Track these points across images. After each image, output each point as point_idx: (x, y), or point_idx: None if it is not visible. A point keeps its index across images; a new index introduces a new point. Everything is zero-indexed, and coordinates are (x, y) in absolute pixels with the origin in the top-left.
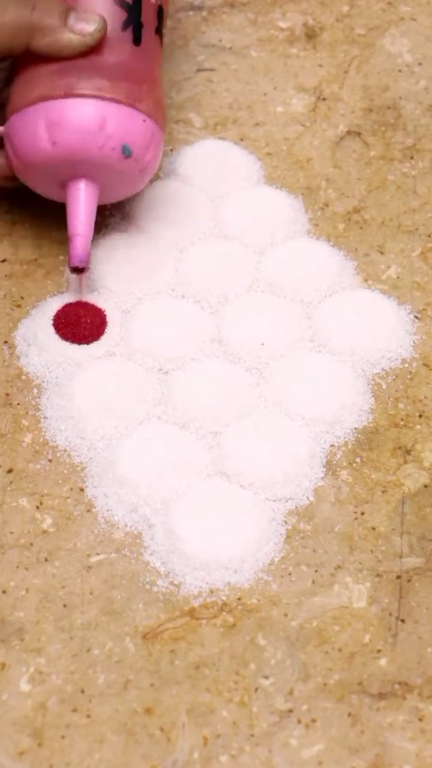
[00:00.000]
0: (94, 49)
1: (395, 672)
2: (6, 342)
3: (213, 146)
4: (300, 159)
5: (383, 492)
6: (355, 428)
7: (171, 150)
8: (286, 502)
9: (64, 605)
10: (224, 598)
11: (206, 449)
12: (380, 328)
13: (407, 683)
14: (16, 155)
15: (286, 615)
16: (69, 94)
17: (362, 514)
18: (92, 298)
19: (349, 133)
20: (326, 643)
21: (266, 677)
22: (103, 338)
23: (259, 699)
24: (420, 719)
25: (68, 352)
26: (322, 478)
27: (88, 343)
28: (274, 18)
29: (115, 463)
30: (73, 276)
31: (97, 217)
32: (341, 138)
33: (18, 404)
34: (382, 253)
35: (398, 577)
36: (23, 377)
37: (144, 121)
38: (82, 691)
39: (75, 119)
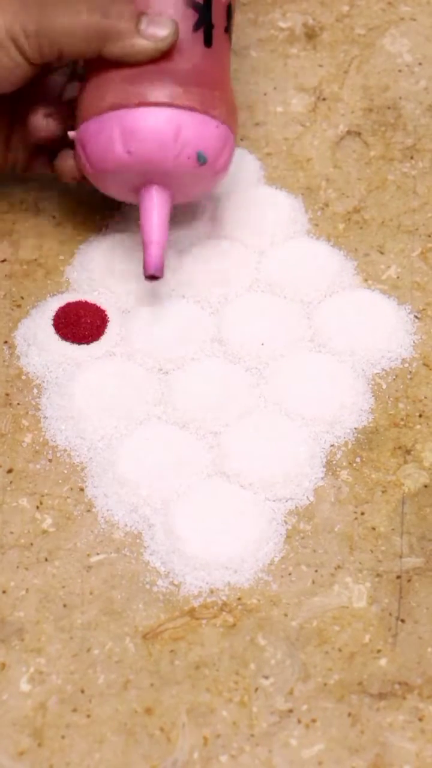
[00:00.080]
0: (166, 53)
1: (395, 672)
2: (6, 342)
3: None
4: (300, 159)
5: (383, 492)
6: (355, 428)
7: None
8: (286, 502)
9: (64, 605)
10: (224, 598)
11: (206, 449)
12: (380, 328)
13: (407, 683)
14: (89, 162)
15: (286, 615)
16: (143, 103)
17: (362, 514)
18: (92, 298)
19: (349, 133)
20: (326, 643)
21: (266, 677)
22: (103, 338)
23: (259, 699)
24: (420, 719)
25: (68, 352)
26: (322, 478)
27: (88, 343)
28: (274, 18)
29: (115, 463)
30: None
31: (96, 217)
32: (341, 138)
33: (18, 404)
34: (382, 253)
35: (398, 577)
36: (23, 377)
37: (217, 127)
38: (82, 691)
39: (150, 128)
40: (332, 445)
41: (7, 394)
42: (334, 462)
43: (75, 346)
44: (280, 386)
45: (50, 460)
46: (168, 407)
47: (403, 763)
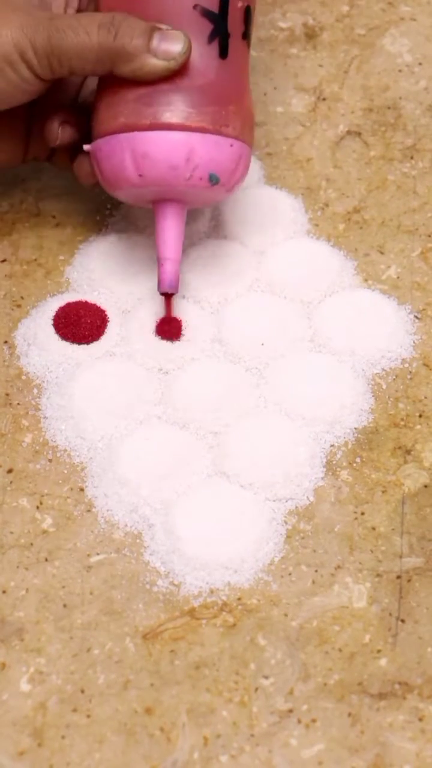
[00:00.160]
0: (179, 70)
1: (395, 672)
2: (6, 342)
3: None
4: (300, 159)
5: (383, 492)
6: (355, 428)
7: None
8: (286, 502)
9: (64, 605)
10: (224, 598)
11: (206, 449)
12: (380, 328)
13: (407, 683)
14: (102, 177)
15: (286, 615)
16: (154, 125)
17: (362, 514)
18: (92, 298)
19: (349, 133)
20: (326, 643)
21: (266, 677)
22: (103, 338)
23: (259, 699)
24: (420, 719)
25: (68, 352)
26: (322, 478)
27: (88, 343)
28: (274, 18)
29: (115, 463)
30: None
31: (96, 217)
32: (341, 138)
33: (18, 404)
34: (382, 253)
35: (398, 577)
36: (23, 377)
37: (231, 145)
38: (82, 691)
39: (161, 153)
40: (332, 445)
41: (7, 394)
42: (334, 462)
43: (75, 346)
44: (280, 386)
45: (50, 460)
46: (168, 407)
47: (403, 763)
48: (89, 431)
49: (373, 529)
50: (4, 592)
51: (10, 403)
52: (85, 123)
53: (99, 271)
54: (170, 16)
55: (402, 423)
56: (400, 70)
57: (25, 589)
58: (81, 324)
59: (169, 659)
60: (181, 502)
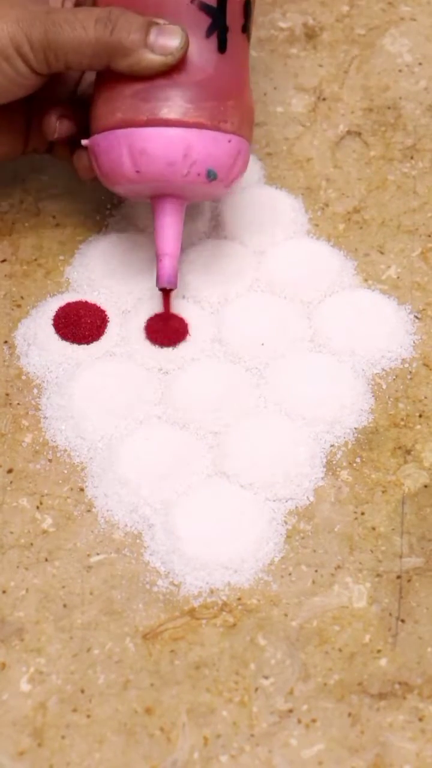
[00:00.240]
0: (177, 65)
1: (395, 672)
2: (6, 342)
3: None
4: (300, 159)
5: (383, 492)
6: (355, 428)
7: None
8: (286, 502)
9: (64, 605)
10: (224, 598)
11: (206, 449)
12: (380, 328)
13: (407, 683)
14: (100, 172)
15: (286, 615)
16: (152, 121)
17: (362, 514)
18: (92, 298)
19: (349, 133)
20: (326, 643)
21: (266, 677)
22: (103, 338)
23: (259, 699)
24: (420, 719)
25: (68, 352)
26: (322, 478)
27: (88, 343)
28: (274, 18)
29: (115, 463)
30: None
31: (97, 217)
32: (341, 138)
33: (18, 404)
34: (382, 253)
35: (398, 577)
36: (23, 377)
37: (229, 141)
38: (82, 691)
39: (159, 149)
40: (332, 445)
41: (7, 394)
42: (334, 462)
43: (75, 346)
44: (280, 386)
45: (50, 460)
46: (168, 407)
47: (403, 763)
48: (89, 431)
49: (373, 529)
50: (4, 592)
51: (10, 403)
52: (84, 116)
53: (99, 271)
54: (168, 10)
55: (402, 423)
56: (400, 70)
57: (25, 589)
58: (81, 324)
59: (169, 659)
60: (181, 502)
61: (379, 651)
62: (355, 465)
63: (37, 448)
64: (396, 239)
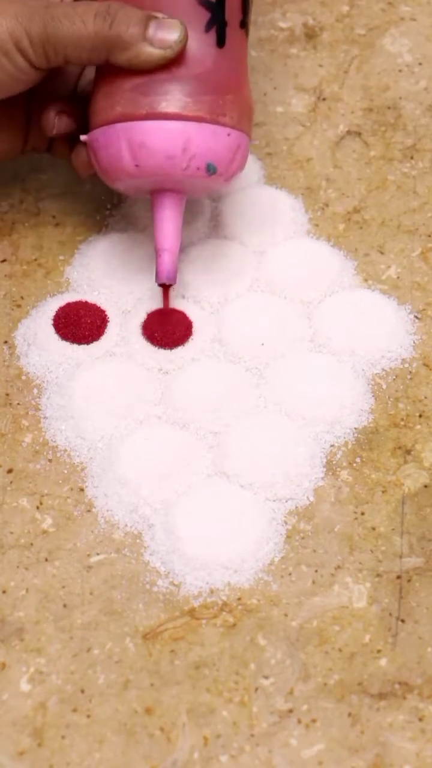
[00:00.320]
0: (175, 58)
1: (395, 672)
2: (6, 342)
3: None
4: (300, 159)
5: (383, 492)
6: (355, 428)
7: None
8: (286, 502)
9: (64, 605)
10: (224, 598)
11: (206, 449)
12: (380, 328)
13: (407, 683)
14: (99, 167)
15: (286, 615)
16: (151, 115)
17: (362, 514)
18: (92, 298)
19: (349, 133)
20: (326, 643)
21: (266, 677)
22: (103, 338)
23: (259, 699)
24: (420, 719)
25: (68, 352)
26: (322, 478)
27: (88, 343)
28: (274, 18)
29: (115, 463)
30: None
31: (97, 217)
32: (341, 138)
33: (18, 404)
34: (382, 253)
35: (398, 577)
36: (23, 377)
37: (228, 135)
38: (82, 691)
39: (158, 143)
40: (332, 445)
41: (7, 394)
42: (334, 462)
43: (75, 346)
44: (280, 386)
45: (50, 460)
46: (168, 407)
47: (403, 763)
48: (89, 431)
49: (373, 529)
50: (4, 592)
51: (10, 403)
52: (83, 113)
53: (99, 271)
54: (167, 4)
55: (402, 423)
56: (400, 70)
57: (25, 589)
58: (81, 324)
59: (169, 659)
60: (181, 502)
61: (379, 651)
62: (355, 465)
63: (37, 448)
64: (396, 239)
